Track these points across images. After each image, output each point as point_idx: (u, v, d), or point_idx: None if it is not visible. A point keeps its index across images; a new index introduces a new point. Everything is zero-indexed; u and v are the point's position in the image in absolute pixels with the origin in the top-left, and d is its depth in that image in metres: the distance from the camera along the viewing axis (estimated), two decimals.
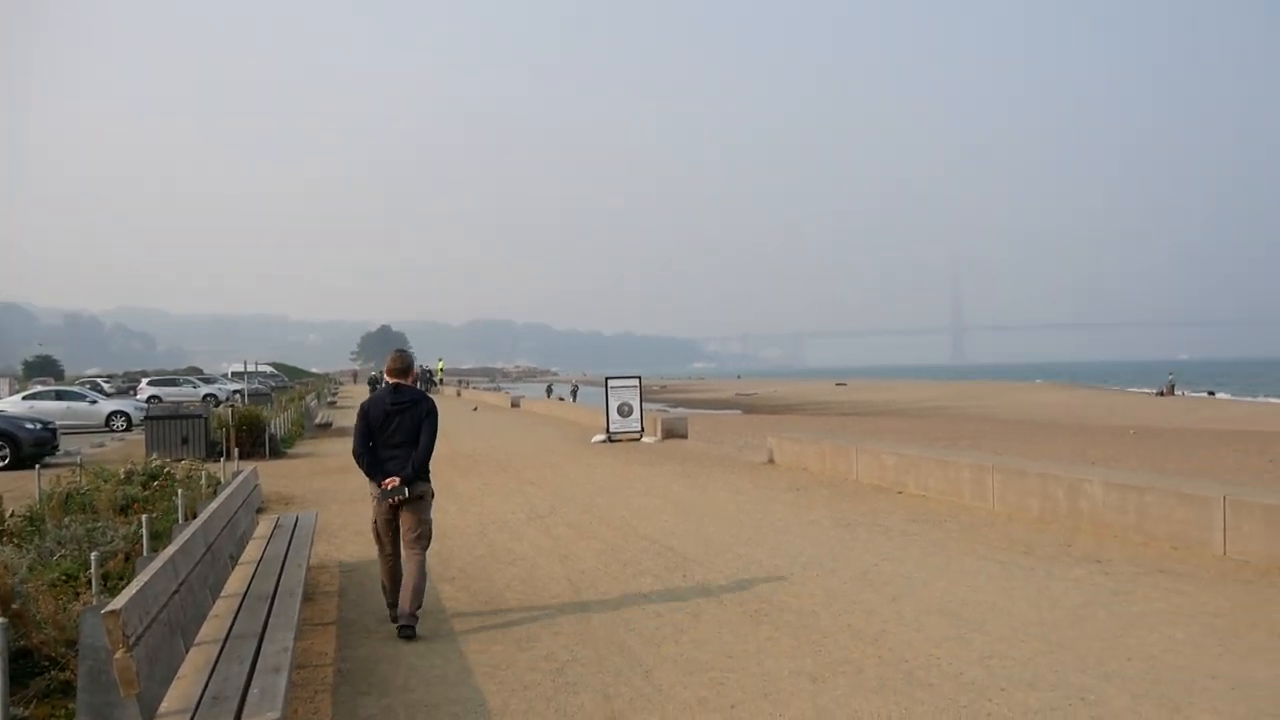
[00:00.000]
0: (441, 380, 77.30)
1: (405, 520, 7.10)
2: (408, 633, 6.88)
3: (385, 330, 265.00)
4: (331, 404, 52.55)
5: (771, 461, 17.55)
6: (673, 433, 23.81)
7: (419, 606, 6.94)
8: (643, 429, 23.85)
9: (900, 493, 13.26)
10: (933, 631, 6.65)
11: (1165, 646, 6.17)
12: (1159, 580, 7.86)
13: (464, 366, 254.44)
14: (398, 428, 7.05)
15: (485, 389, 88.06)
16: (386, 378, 7.38)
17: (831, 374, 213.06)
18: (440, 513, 12.45)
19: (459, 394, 62.67)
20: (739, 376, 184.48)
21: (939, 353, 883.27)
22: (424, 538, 7.10)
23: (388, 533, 7.19)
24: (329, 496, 14.74)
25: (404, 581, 7.02)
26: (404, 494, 6.99)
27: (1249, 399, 68.64)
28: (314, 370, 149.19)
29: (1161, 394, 64.64)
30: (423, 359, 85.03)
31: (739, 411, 58.19)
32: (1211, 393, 71.04)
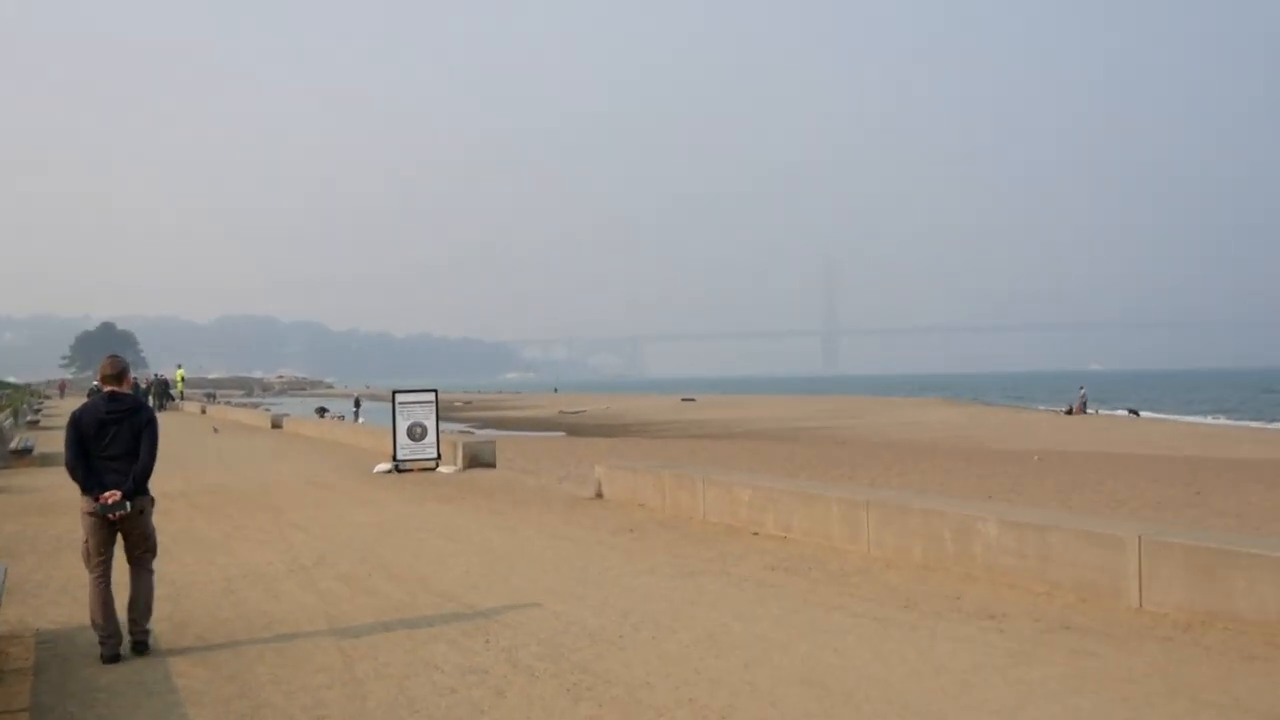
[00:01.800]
0: (182, 394, 74.81)
1: (128, 537, 8.08)
2: (141, 648, 8.04)
3: (108, 329, 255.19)
4: (33, 423, 50.23)
5: (600, 496, 17.56)
6: (478, 460, 23.63)
7: (149, 618, 8.16)
8: (439, 456, 23.60)
9: (756, 534, 13.41)
10: (792, 706, 6.66)
11: (1070, 719, 6.34)
12: (1063, 639, 8.11)
13: (212, 376, 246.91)
14: (115, 438, 7.88)
15: (239, 404, 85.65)
16: (101, 384, 8.21)
17: (677, 387, 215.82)
18: (175, 564, 11.94)
19: (203, 410, 60.76)
20: (555, 390, 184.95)
21: (808, 361, 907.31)
22: (150, 551, 8.22)
23: (101, 552, 8.04)
24: (25, 544, 13.96)
25: (132, 597, 8.12)
26: (125, 508, 7.84)
27: (1174, 418, 72.61)
28: (10, 380, 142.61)
29: (1071, 412, 67.60)
30: (158, 366, 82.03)
31: (562, 434, 58.26)
32: (1134, 411, 74.41)
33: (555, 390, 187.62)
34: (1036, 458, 31.66)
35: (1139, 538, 8.99)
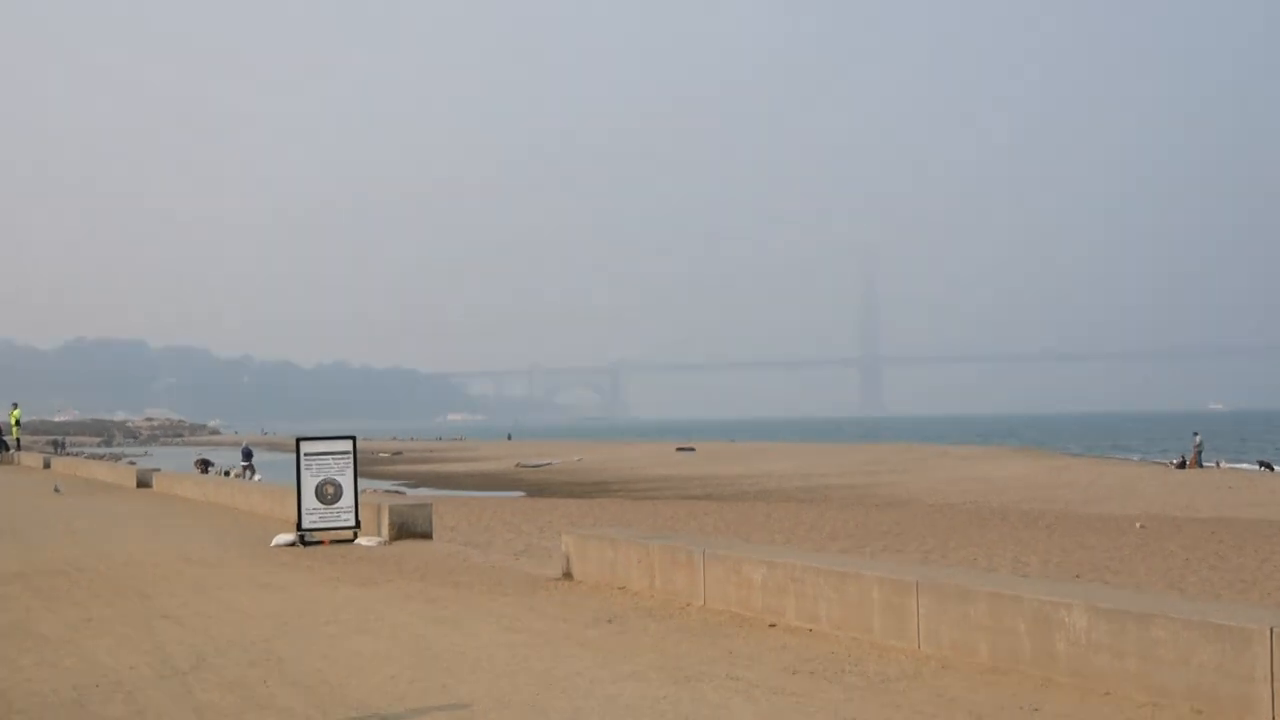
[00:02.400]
0: (18, 442, 74.53)
1: None
2: None
3: None
4: None
5: (568, 576, 17.50)
6: (409, 529, 23.52)
7: None
8: (358, 524, 23.46)
9: (773, 625, 13.38)
10: None
11: None
12: None
13: (59, 419, 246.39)
14: None
15: (94, 456, 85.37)
16: None
17: (671, 432, 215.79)
18: (6, 668, 11.88)
19: (46, 464, 60.51)
20: (509, 437, 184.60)
21: (842, 397, 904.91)
22: None
23: None
24: None
25: None
26: None
27: None
28: None
29: (1184, 465, 67.63)
30: None
31: (521, 494, 58.23)
32: (1267, 464, 74.39)
33: (509, 437, 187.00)
34: (1139, 525, 31.74)
35: (1270, 630, 8.96)
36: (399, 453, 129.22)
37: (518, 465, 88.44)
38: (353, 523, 23.47)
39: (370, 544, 22.79)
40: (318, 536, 23.25)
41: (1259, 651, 8.96)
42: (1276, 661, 8.86)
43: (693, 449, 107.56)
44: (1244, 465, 74.58)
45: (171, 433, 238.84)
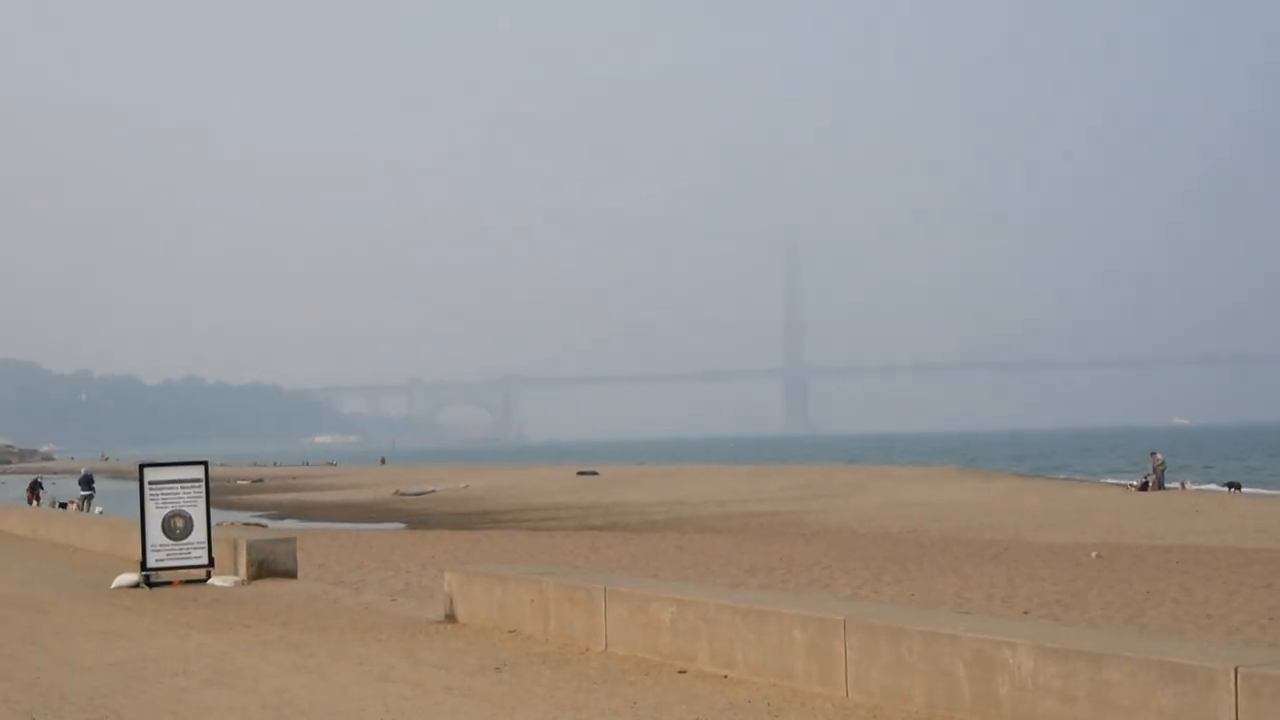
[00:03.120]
0: None
1: None
2: None
3: None
4: None
5: (452, 619, 17.46)
6: (270, 567, 23.41)
7: None
8: (212, 561, 23.31)
9: (683, 672, 13.37)
10: None
11: None
12: None
13: None
14: None
15: None
16: None
17: (572, 454, 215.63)
18: None
19: None
20: (383, 461, 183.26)
21: (764, 415, 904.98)
22: None
23: None
24: None
25: None
26: None
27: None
28: None
29: (1146, 487, 68.41)
30: None
31: (400, 525, 57.96)
32: (1234, 485, 75.50)
33: (383, 460, 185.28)
34: (1096, 554, 32.02)
35: (1234, 670, 9.00)
36: (259, 480, 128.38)
37: (396, 493, 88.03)
38: (205, 560, 23.29)
39: (226, 584, 22.63)
40: (165, 576, 23.05)
41: (1223, 695, 8.98)
42: (1242, 705, 8.91)
43: (596, 473, 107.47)
44: (1211, 486, 75.57)
45: None
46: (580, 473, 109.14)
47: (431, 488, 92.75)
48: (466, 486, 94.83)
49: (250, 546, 23.68)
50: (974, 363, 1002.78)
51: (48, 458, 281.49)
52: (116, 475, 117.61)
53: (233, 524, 47.80)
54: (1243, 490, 72.75)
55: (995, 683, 10.50)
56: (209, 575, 23.19)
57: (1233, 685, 8.93)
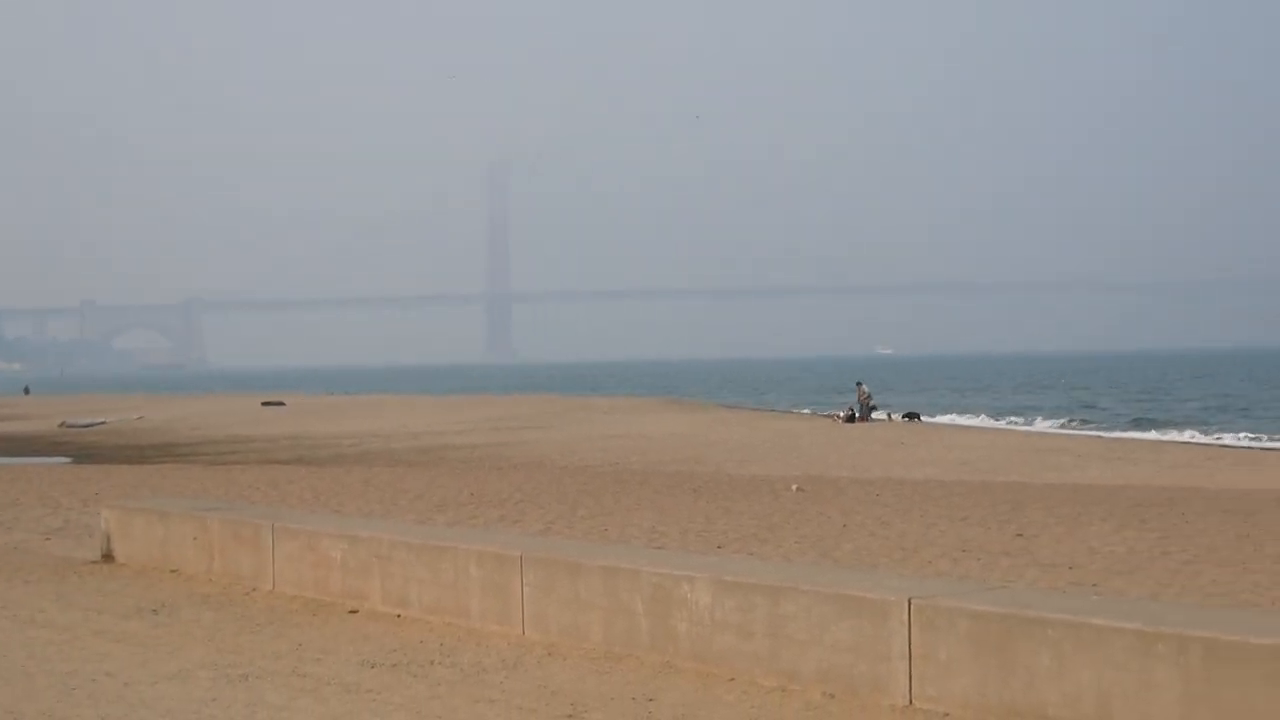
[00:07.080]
0: None
1: None
2: None
3: None
4: None
5: (109, 559, 17.23)
6: None
7: None
8: None
9: (355, 611, 13.37)
10: None
11: None
12: None
13: None
14: None
15: None
16: None
17: (258, 384, 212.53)
18: None
19: None
20: (27, 390, 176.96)
21: (465, 343, 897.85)
22: None
23: None
24: None
25: None
26: None
27: (975, 421, 77.00)
28: None
29: (853, 418, 69.93)
30: None
31: (66, 460, 56.34)
32: (913, 415, 77.94)
33: (26, 391, 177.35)
34: (796, 488, 32.35)
35: (908, 601, 9.19)
36: None
37: (62, 425, 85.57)
38: None
39: None
40: None
41: (896, 627, 9.22)
42: (915, 636, 9.09)
43: (283, 404, 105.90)
44: (895, 417, 77.74)
45: None
46: (265, 403, 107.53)
47: (102, 419, 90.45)
48: (141, 418, 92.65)
49: None
50: (694, 289, 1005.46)
51: None
52: None
53: None
54: (921, 419, 75.12)
55: (673, 618, 10.60)
56: None
57: (906, 617, 9.18)
